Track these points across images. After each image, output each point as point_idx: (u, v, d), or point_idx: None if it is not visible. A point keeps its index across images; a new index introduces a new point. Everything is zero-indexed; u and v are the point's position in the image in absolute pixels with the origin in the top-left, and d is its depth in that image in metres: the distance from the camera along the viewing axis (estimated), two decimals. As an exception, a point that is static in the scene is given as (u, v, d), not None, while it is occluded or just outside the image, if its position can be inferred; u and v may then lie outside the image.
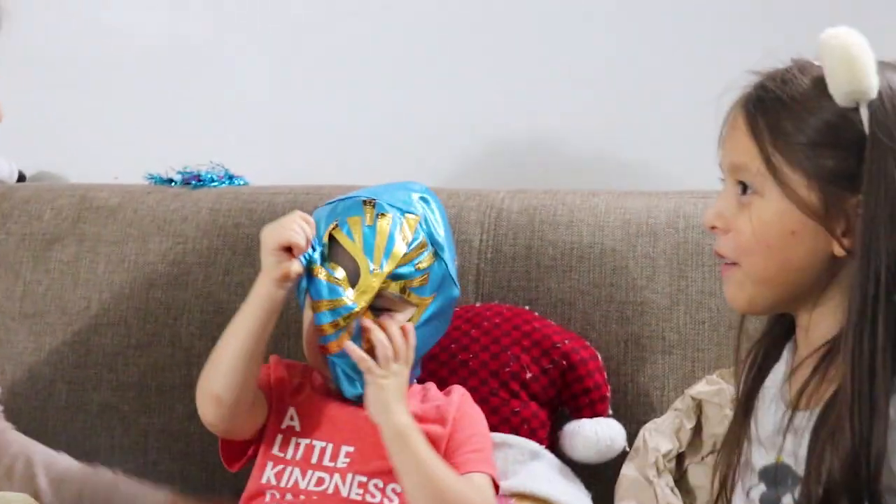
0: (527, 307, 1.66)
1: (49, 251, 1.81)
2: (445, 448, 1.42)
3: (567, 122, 1.95)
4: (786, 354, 1.25)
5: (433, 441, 1.41)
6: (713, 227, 1.22)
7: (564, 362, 1.58)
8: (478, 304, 1.67)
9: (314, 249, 1.42)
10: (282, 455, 1.44)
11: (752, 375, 1.26)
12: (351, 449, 1.42)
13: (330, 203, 1.49)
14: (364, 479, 1.40)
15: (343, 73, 2.02)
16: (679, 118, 1.83)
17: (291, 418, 1.46)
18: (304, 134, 2.02)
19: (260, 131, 2.05)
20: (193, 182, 1.87)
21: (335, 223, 1.44)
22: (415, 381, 1.51)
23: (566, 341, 1.59)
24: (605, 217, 1.72)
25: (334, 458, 1.42)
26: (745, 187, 1.19)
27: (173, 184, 1.89)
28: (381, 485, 1.40)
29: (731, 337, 1.35)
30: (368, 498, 1.39)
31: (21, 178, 2.05)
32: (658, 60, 1.91)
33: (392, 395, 1.37)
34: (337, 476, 1.40)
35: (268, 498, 1.42)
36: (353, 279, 1.41)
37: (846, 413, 1.11)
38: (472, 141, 1.98)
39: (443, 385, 1.53)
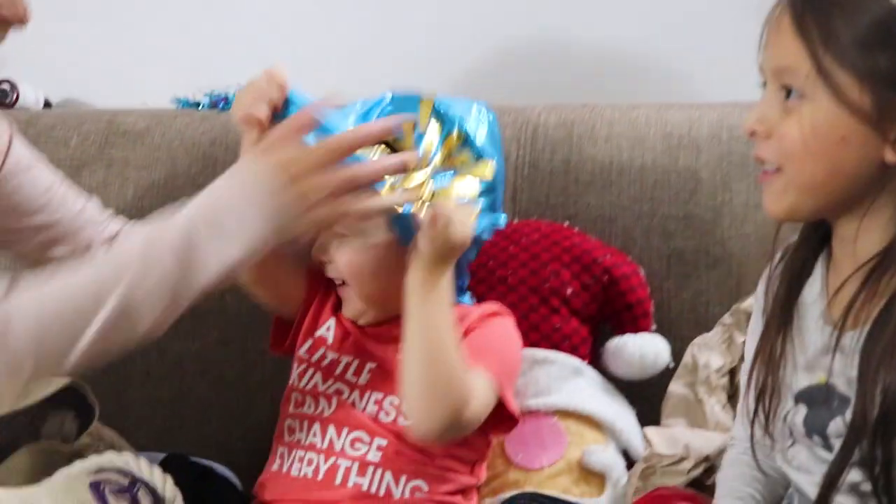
0: (566, 223, 1.63)
1: (77, 177, 1.77)
2: None
3: (604, 32, 1.90)
4: (819, 268, 1.20)
5: None
6: (753, 133, 1.17)
7: (606, 277, 1.54)
8: (515, 221, 1.63)
9: (287, 106, 1.35)
10: (307, 356, 1.45)
11: (786, 288, 1.21)
12: (374, 366, 1.41)
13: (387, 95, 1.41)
14: (380, 395, 1.39)
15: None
16: (721, 25, 1.77)
17: (328, 329, 1.45)
18: (331, 51, 1.98)
19: (288, 51, 2.00)
20: (222, 104, 1.85)
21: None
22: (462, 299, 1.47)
23: (607, 256, 1.56)
24: (646, 130, 1.68)
25: (357, 373, 1.41)
26: (789, 91, 1.13)
27: (201, 107, 1.86)
28: (396, 402, 1.38)
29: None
30: (382, 417, 1.38)
31: (47, 105, 2.02)
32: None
33: (443, 253, 1.30)
34: (356, 392, 1.40)
35: (292, 402, 1.43)
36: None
37: None
38: (507, 54, 1.93)
39: (481, 301, 1.50)
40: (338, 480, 1.36)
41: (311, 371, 1.44)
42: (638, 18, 1.89)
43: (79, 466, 1.35)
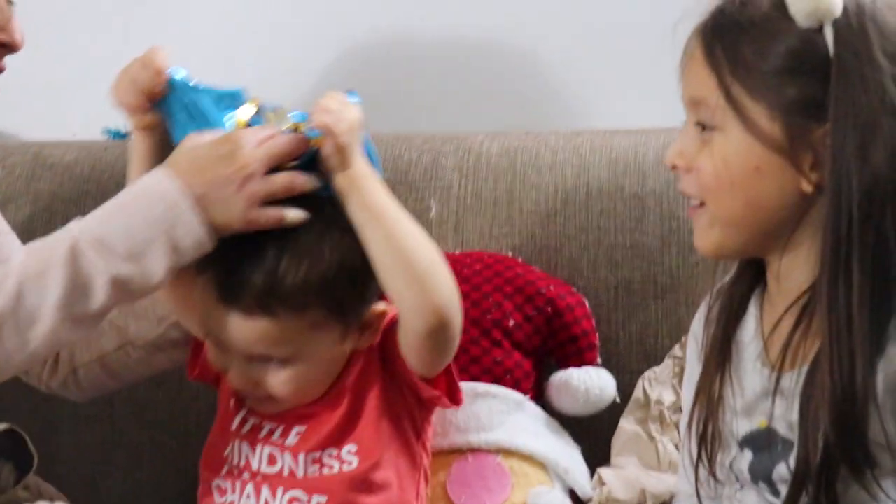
0: (510, 254, 1.59)
1: (2, 212, 1.71)
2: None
3: (548, 58, 1.87)
4: (753, 307, 1.16)
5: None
6: (674, 167, 1.13)
7: (550, 309, 1.50)
8: (458, 252, 1.60)
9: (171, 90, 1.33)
10: (231, 428, 1.35)
11: (722, 327, 1.17)
12: (302, 429, 1.32)
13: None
14: (318, 453, 1.31)
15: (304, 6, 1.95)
16: (666, 50, 1.74)
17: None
18: (261, 75, 1.95)
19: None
20: (153, 135, 1.79)
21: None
22: None
23: (551, 287, 1.52)
24: (591, 157, 1.65)
25: (284, 436, 1.33)
26: (705, 123, 1.10)
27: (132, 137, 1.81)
28: (334, 452, 1.31)
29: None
30: (326, 471, 1.31)
31: (-28, 138, 1.97)
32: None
33: (353, 148, 1.26)
34: (288, 455, 1.31)
35: (224, 469, 1.34)
36: None
37: (828, 367, 1.02)
38: (448, 82, 1.90)
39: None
40: None
41: (236, 442, 1.34)
42: (582, 44, 1.86)
43: (7, 516, 1.31)
